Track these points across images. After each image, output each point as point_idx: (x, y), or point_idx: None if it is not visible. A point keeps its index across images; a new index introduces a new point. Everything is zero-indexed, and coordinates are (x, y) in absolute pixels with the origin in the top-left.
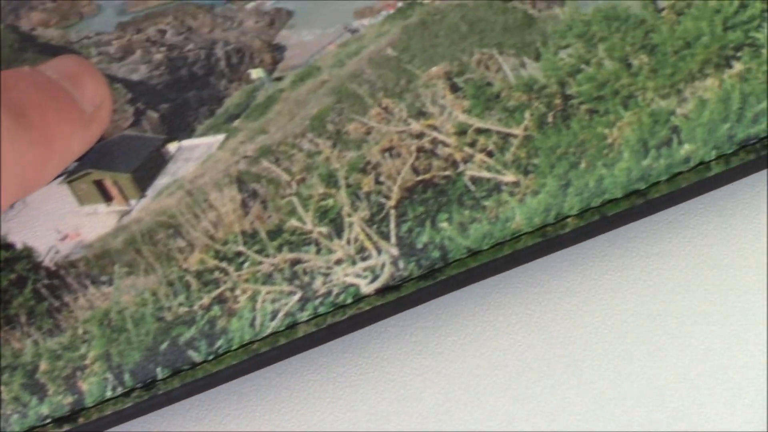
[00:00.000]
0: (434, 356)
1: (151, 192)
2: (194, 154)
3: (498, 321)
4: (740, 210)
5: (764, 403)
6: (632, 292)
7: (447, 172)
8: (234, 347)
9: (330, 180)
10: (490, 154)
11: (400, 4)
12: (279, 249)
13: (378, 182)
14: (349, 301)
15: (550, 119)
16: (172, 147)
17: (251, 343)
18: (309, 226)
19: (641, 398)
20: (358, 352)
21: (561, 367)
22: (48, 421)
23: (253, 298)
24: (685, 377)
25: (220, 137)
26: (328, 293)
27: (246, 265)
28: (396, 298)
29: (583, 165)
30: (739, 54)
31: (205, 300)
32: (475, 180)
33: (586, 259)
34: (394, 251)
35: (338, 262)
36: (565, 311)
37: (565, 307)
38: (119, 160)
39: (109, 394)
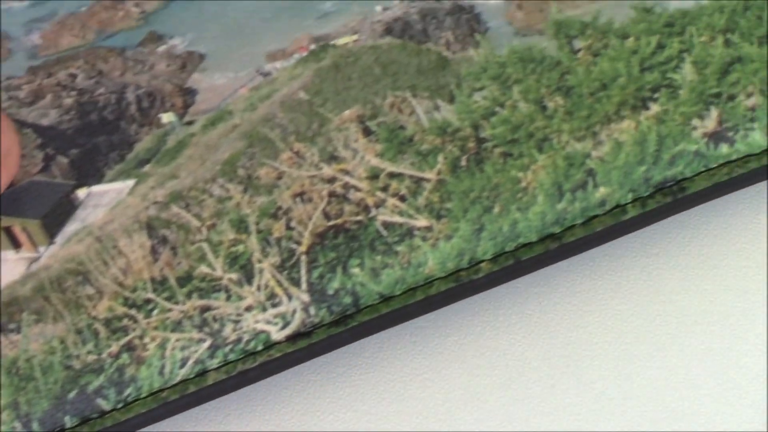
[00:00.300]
0: (434, 356)
1: (60, 238)
2: (104, 200)
3: (498, 321)
4: (740, 210)
5: (764, 403)
6: (632, 292)
7: (359, 217)
8: (143, 395)
9: (240, 226)
10: (402, 199)
11: (312, 46)
12: (188, 296)
13: (289, 228)
14: (260, 347)
15: (463, 163)
16: (81, 193)
17: (161, 390)
18: (219, 273)
19: (641, 398)
20: (357, 353)
21: (561, 367)
22: None
23: (162, 346)
24: (685, 377)
25: (130, 183)
26: (239, 340)
27: (155, 312)
28: (307, 345)
29: (496, 209)
30: (656, 95)
31: (114, 348)
32: (387, 225)
33: (587, 260)
34: (305, 297)
35: (248, 308)
36: (565, 311)
37: (565, 307)
38: (28, 207)
39: None
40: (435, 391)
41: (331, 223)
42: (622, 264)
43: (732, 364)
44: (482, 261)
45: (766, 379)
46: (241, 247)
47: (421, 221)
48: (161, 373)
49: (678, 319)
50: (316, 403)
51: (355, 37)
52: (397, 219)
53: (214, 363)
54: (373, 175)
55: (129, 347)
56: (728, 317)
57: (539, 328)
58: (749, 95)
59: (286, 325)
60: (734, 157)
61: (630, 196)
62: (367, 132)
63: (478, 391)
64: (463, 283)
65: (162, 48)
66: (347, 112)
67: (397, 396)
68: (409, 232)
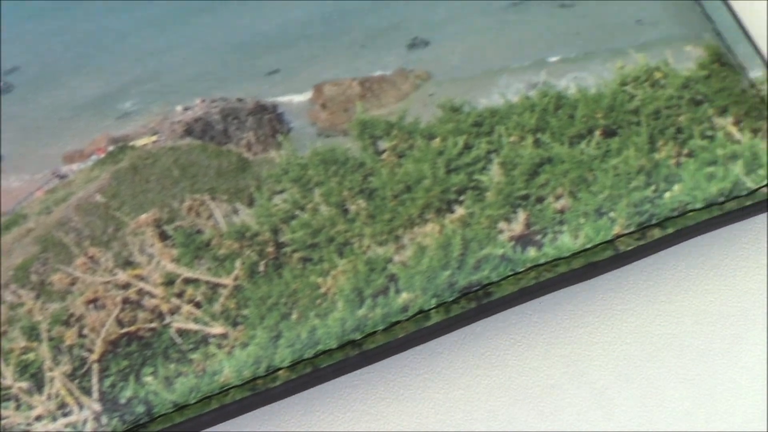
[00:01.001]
0: (434, 356)
1: None
2: None
3: (498, 321)
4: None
5: (764, 403)
6: (632, 292)
7: (153, 324)
8: None
9: (32, 333)
10: (198, 305)
11: (111, 147)
12: None
13: (81, 335)
14: None
15: (261, 268)
16: None
17: None
18: (9, 381)
19: (641, 398)
20: None
21: (561, 367)
22: None
23: None
24: (685, 377)
25: None
26: None
27: None
28: None
29: (294, 315)
30: (461, 197)
31: None
32: (181, 332)
33: None
34: (97, 407)
35: (38, 418)
36: (565, 311)
37: (565, 307)
38: None
39: None
40: (435, 392)
41: (125, 330)
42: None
43: (732, 364)
44: (280, 369)
45: (766, 379)
46: (32, 355)
47: (217, 328)
48: None
49: (678, 319)
50: (316, 403)
51: (154, 138)
52: (192, 326)
53: None
54: (169, 281)
55: None
56: (728, 317)
57: (539, 328)
58: (558, 197)
59: None
60: (542, 260)
61: (434, 302)
62: (163, 236)
63: (478, 391)
64: (259, 392)
65: None
66: (144, 216)
67: (397, 396)
68: (204, 340)
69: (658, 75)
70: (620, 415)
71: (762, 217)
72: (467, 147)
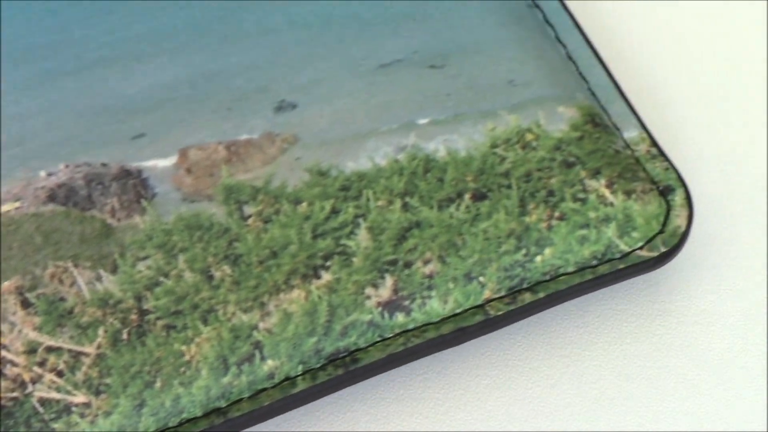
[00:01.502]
0: (434, 356)
1: None
2: None
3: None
4: (740, 209)
5: (764, 403)
6: (632, 292)
7: (14, 394)
8: None
9: None
10: (60, 374)
11: None
12: None
13: None
14: None
15: (124, 336)
16: None
17: None
18: None
19: (641, 398)
20: None
21: (561, 367)
22: None
23: None
24: (685, 377)
25: None
26: None
27: None
28: None
29: (158, 384)
30: (328, 263)
31: None
32: (44, 401)
33: None
34: None
35: None
36: (565, 311)
37: (564, 306)
38: None
39: None
40: (435, 391)
41: None
42: None
43: (732, 364)
44: None
45: (766, 379)
46: None
47: (80, 397)
48: None
49: (678, 319)
50: (316, 403)
51: (17, 204)
52: (55, 395)
53: None
54: (31, 350)
55: None
56: (728, 317)
57: (539, 329)
58: (427, 262)
59: None
60: (411, 326)
61: (300, 369)
62: (26, 304)
63: (478, 391)
64: None
65: None
66: (6, 284)
67: (398, 396)
68: (67, 409)
69: (529, 137)
70: (620, 415)
71: (762, 216)
72: (334, 211)
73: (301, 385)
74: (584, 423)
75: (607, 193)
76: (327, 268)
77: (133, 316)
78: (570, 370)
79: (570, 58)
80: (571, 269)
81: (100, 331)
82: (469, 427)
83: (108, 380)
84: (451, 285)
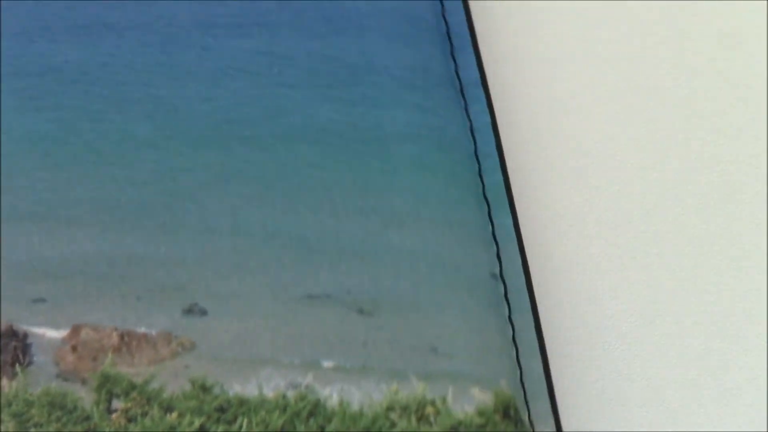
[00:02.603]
0: None
1: None
2: None
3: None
4: (740, 209)
5: (764, 403)
6: (632, 291)
7: None
8: None
9: None
10: None
11: None
12: None
13: None
14: None
15: None
16: None
17: None
18: None
19: (642, 398)
20: None
21: (561, 366)
22: None
23: None
24: (685, 377)
25: None
26: None
27: None
28: None
29: None
30: None
31: None
32: None
33: (587, 260)
34: None
35: None
36: (566, 311)
37: (565, 306)
38: None
39: None
40: None
41: None
42: (621, 264)
43: (732, 364)
44: None
45: (766, 379)
46: None
47: None
48: None
49: (678, 319)
50: None
51: None
52: None
53: None
54: None
55: None
56: (728, 317)
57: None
58: None
59: None
60: None
61: None
62: None
63: None
64: None
65: None
66: None
67: None
68: None
69: (430, 410)
70: (620, 415)
71: (762, 217)
72: (203, 430)
73: None
74: (584, 423)
75: None
76: None
77: None
78: (571, 369)
79: (514, 341)
80: None
81: None
82: None
83: None
84: None
